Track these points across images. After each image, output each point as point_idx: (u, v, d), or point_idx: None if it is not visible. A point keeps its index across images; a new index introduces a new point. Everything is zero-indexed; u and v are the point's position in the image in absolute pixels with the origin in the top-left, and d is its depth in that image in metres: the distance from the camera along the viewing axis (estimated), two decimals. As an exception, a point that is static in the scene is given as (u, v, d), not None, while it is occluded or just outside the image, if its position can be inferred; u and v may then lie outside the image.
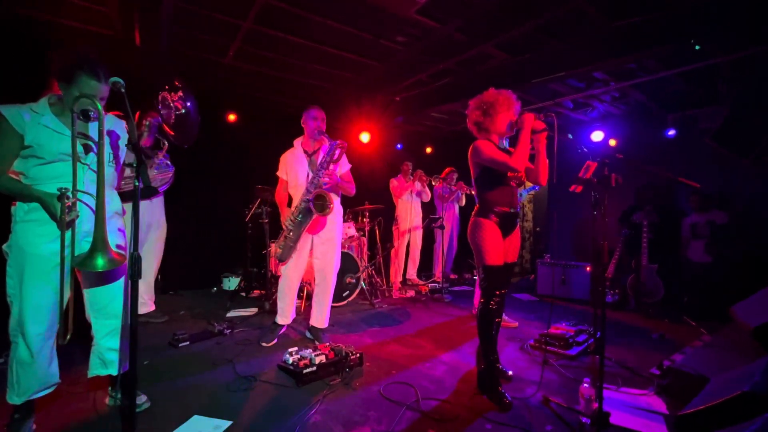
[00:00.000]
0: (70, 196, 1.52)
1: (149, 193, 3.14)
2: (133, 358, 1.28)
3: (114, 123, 1.81)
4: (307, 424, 1.87)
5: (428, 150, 6.97)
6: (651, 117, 5.23)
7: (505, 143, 2.37)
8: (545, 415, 2.02)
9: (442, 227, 5.06)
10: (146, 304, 3.41)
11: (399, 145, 6.74)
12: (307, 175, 2.84)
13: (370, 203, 4.74)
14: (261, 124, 5.29)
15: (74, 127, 1.52)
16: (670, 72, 3.78)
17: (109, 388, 2.02)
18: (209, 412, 1.94)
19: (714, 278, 4.28)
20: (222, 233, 5.03)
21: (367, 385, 2.31)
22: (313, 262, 2.99)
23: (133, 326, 1.26)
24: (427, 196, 5.47)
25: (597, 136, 5.36)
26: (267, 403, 2.07)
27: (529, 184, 4.42)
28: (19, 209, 1.63)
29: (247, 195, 4.55)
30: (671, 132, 4.97)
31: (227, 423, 1.84)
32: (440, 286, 4.96)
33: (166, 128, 2.63)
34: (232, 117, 5.01)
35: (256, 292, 4.52)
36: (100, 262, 1.41)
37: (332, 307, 3.15)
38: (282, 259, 2.89)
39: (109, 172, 1.76)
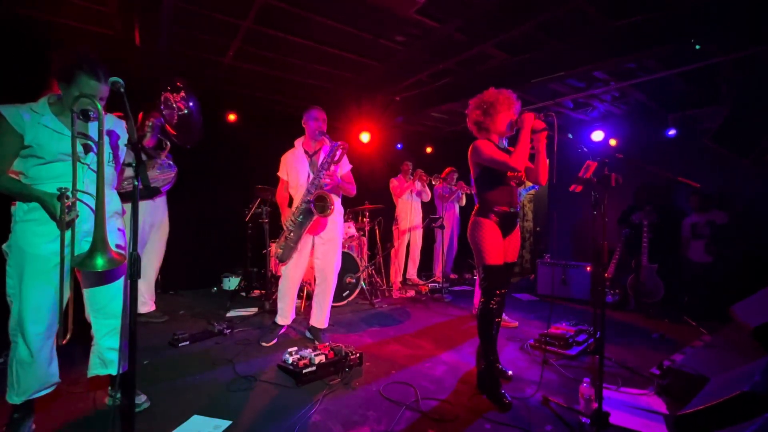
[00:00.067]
0: (70, 195, 1.52)
1: (152, 193, 3.15)
2: (132, 357, 1.28)
3: (114, 123, 1.81)
4: (306, 424, 1.87)
5: (428, 150, 6.97)
6: (651, 117, 5.23)
7: (504, 143, 2.37)
8: (545, 415, 2.02)
9: (442, 227, 5.06)
10: (147, 303, 3.41)
11: (399, 145, 6.74)
12: (308, 176, 2.84)
13: (370, 203, 4.74)
14: (261, 124, 5.29)
15: (74, 127, 1.52)
16: (670, 72, 3.78)
17: (109, 388, 2.02)
18: (209, 411, 1.94)
19: (714, 278, 4.28)
20: (222, 233, 5.03)
21: (366, 385, 2.31)
22: (313, 262, 2.99)
23: (133, 326, 1.26)
24: (427, 196, 5.47)
25: (597, 135, 5.36)
26: (267, 402, 2.07)
27: (528, 184, 4.41)
28: (18, 209, 1.63)
29: (247, 195, 4.55)
30: (672, 132, 4.97)
31: (227, 423, 1.84)
32: (440, 285, 4.96)
33: (169, 128, 2.64)
34: (232, 117, 5.02)
35: (256, 292, 4.52)
36: (100, 261, 1.41)
37: (332, 306, 3.15)
38: (282, 260, 2.89)
39: (109, 172, 1.76)
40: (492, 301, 2.19)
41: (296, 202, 2.84)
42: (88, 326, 1.82)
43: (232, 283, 4.74)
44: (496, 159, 2.13)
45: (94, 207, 1.58)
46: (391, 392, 2.21)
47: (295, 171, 2.87)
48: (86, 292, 1.78)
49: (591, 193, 1.91)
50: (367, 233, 4.87)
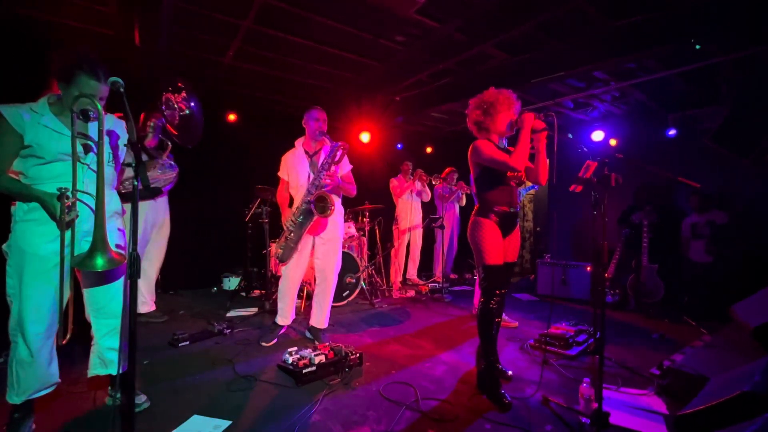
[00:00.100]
0: (70, 195, 1.52)
1: (153, 193, 3.15)
2: (132, 357, 1.28)
3: (114, 123, 1.81)
4: (306, 424, 1.87)
5: (428, 150, 6.98)
6: (651, 117, 5.23)
7: (504, 143, 2.37)
8: (545, 415, 2.02)
9: (442, 227, 5.06)
10: (147, 303, 3.41)
11: (399, 145, 6.74)
12: (308, 176, 2.84)
13: (370, 203, 4.74)
14: (261, 124, 5.29)
15: (74, 127, 1.52)
16: (670, 72, 3.78)
17: (109, 388, 2.02)
18: (209, 411, 1.94)
19: (714, 278, 4.28)
20: (222, 233, 5.03)
21: (366, 385, 2.31)
22: (314, 262, 2.99)
23: (132, 326, 1.26)
24: (427, 196, 5.47)
25: (597, 135, 5.36)
26: (266, 403, 2.07)
27: (528, 184, 4.41)
28: (18, 209, 1.63)
29: (247, 195, 4.55)
30: (672, 132, 4.97)
31: (227, 423, 1.84)
32: (440, 286, 4.96)
33: (170, 129, 2.64)
34: (232, 117, 5.02)
35: (256, 292, 4.52)
36: (100, 261, 1.41)
37: (332, 306, 3.14)
38: (283, 260, 2.89)
39: (109, 172, 1.76)
40: (492, 301, 2.19)
41: (297, 203, 2.84)
42: (88, 326, 1.82)
43: (232, 283, 4.74)
44: (496, 159, 2.13)
45: (94, 207, 1.58)
46: (391, 392, 2.21)
47: (296, 171, 2.87)
48: (86, 292, 1.78)
49: (591, 193, 1.90)
50: (367, 233, 4.86)
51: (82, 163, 1.64)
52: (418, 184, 5.31)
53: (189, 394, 2.15)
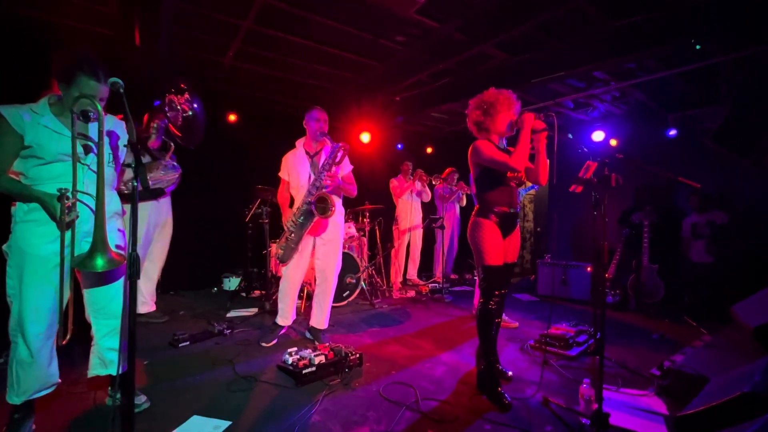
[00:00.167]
0: (70, 196, 1.52)
1: (156, 193, 3.16)
2: (131, 358, 1.28)
3: (114, 124, 1.81)
4: (306, 425, 1.87)
5: (428, 150, 6.97)
6: (652, 117, 5.23)
7: (504, 143, 2.37)
8: (545, 415, 2.02)
9: (442, 227, 5.06)
10: (147, 303, 3.42)
11: (399, 145, 6.74)
12: (309, 176, 2.84)
13: (370, 203, 4.74)
14: (261, 124, 5.29)
15: (74, 128, 1.52)
16: (670, 72, 3.78)
17: (109, 389, 2.02)
18: (209, 412, 1.94)
19: (714, 278, 4.27)
20: (222, 233, 5.03)
21: (366, 386, 2.30)
22: (314, 263, 2.99)
23: (132, 326, 1.26)
24: (427, 196, 5.47)
25: (598, 135, 5.36)
26: (266, 403, 2.07)
27: (528, 184, 4.41)
28: (19, 209, 1.63)
29: (248, 195, 4.55)
30: (672, 132, 4.97)
31: (226, 423, 1.84)
32: (440, 286, 4.96)
33: (173, 129, 2.65)
34: (232, 117, 5.02)
35: (257, 293, 4.52)
36: (100, 262, 1.41)
37: (332, 307, 3.14)
38: (283, 260, 2.89)
39: (109, 172, 1.76)
40: (491, 302, 2.19)
41: (297, 203, 2.84)
42: (88, 326, 1.82)
43: (232, 283, 4.74)
44: (496, 159, 2.13)
45: (94, 208, 1.58)
46: (391, 393, 2.21)
47: (296, 172, 2.87)
48: (86, 293, 1.78)
49: (591, 194, 1.90)
50: (367, 233, 4.86)
51: (83, 164, 1.64)
52: (418, 185, 5.31)
53: (189, 394, 2.15)
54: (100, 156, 1.46)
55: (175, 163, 3.01)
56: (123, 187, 2.02)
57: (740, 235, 4.33)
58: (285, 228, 2.85)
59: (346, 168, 2.93)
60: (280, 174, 2.97)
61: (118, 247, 1.77)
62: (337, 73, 4.49)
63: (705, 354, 2.59)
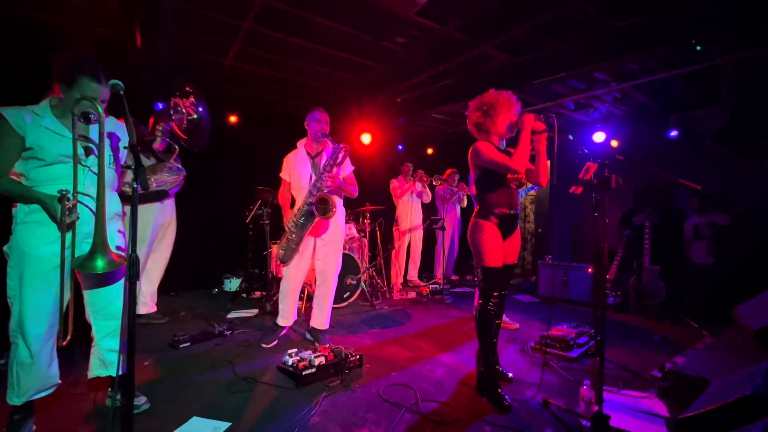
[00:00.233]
0: (71, 198, 1.53)
1: (161, 195, 3.18)
2: (131, 359, 1.28)
3: (115, 125, 1.81)
4: (306, 426, 1.87)
5: (429, 151, 6.98)
6: (653, 118, 5.22)
7: (503, 144, 2.36)
8: (545, 417, 2.01)
9: (443, 228, 5.05)
10: (148, 304, 3.42)
11: (400, 146, 6.74)
12: (310, 177, 2.84)
13: (371, 204, 4.74)
14: (261, 124, 5.30)
15: (75, 130, 1.53)
16: (671, 73, 3.77)
17: (109, 390, 2.02)
18: (208, 413, 1.94)
19: (715, 278, 4.27)
20: (223, 234, 5.04)
21: (366, 387, 2.30)
22: (314, 263, 2.99)
23: (132, 327, 1.26)
24: (427, 197, 5.47)
25: (599, 137, 5.35)
26: (266, 404, 2.07)
27: (528, 185, 4.41)
28: (19, 211, 1.64)
29: (248, 196, 4.55)
30: (673, 133, 4.96)
31: (226, 424, 1.84)
32: (441, 287, 4.95)
33: (178, 132, 2.67)
34: (233, 119, 5.02)
35: (257, 294, 4.52)
36: (100, 263, 1.42)
37: (333, 308, 3.14)
38: (284, 261, 2.89)
39: (110, 174, 1.77)
40: (490, 303, 2.18)
41: (298, 204, 2.84)
42: (89, 327, 1.83)
43: (233, 284, 4.74)
44: (497, 161, 2.13)
45: (94, 209, 1.58)
46: (391, 394, 2.21)
47: (298, 172, 2.88)
48: (86, 294, 1.78)
49: (591, 195, 1.90)
50: (367, 234, 4.87)
51: (83, 166, 1.64)
52: (418, 186, 5.31)
53: (189, 395, 2.15)
54: (100, 158, 1.47)
55: (180, 166, 3.02)
56: (127, 189, 2.03)
57: (740, 235, 4.33)
58: (286, 228, 2.86)
59: (347, 169, 2.93)
60: (281, 175, 2.98)
61: (118, 248, 1.77)
62: (338, 74, 4.49)
63: (706, 356, 2.59)
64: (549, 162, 2.20)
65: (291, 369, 2.32)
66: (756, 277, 3.86)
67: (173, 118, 2.68)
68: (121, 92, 1.33)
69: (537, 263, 5.35)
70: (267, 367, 2.53)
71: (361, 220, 4.94)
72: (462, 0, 2.95)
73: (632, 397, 2.23)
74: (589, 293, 4.65)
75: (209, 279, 4.87)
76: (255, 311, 3.85)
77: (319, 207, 2.70)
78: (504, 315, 3.11)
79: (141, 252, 3.23)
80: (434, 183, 5.32)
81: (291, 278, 2.93)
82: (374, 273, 4.87)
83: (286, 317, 2.99)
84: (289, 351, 2.47)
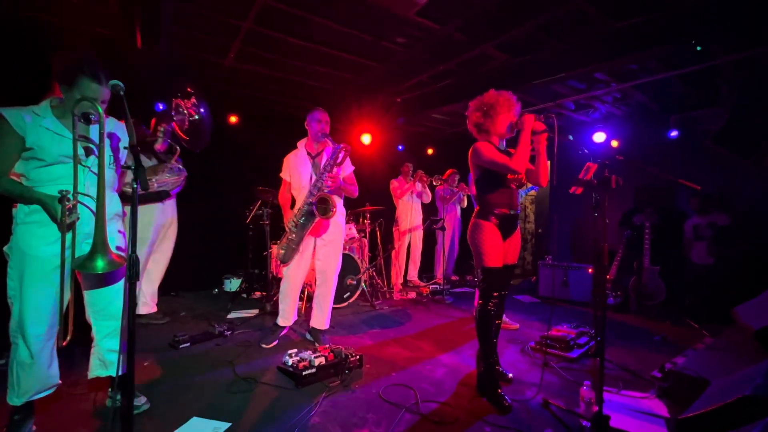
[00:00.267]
0: (71, 198, 1.53)
1: (162, 196, 3.18)
2: (131, 359, 1.28)
3: (115, 126, 1.81)
4: (306, 426, 1.87)
5: (429, 151, 6.97)
6: (653, 118, 5.22)
7: (503, 145, 2.36)
8: (545, 417, 2.01)
9: (443, 228, 5.05)
10: (148, 304, 3.43)
11: (400, 147, 6.74)
12: (311, 177, 2.84)
13: (371, 204, 4.74)
14: (261, 124, 5.30)
15: (75, 130, 1.53)
16: (671, 73, 3.77)
17: (109, 390, 2.02)
18: (209, 413, 1.94)
19: (715, 278, 4.27)
20: (223, 235, 5.04)
21: (366, 387, 2.30)
22: (315, 263, 2.99)
23: (132, 328, 1.26)
24: (428, 197, 5.47)
25: (599, 137, 5.35)
26: (266, 405, 2.07)
27: (528, 185, 4.41)
28: (20, 211, 1.64)
29: (248, 196, 4.55)
30: (674, 133, 4.96)
31: (226, 425, 1.84)
32: (441, 287, 4.95)
33: (180, 133, 2.67)
34: (233, 119, 5.02)
35: (257, 294, 4.52)
36: (100, 263, 1.42)
37: (333, 308, 3.14)
38: (284, 261, 2.89)
39: (110, 174, 1.77)
40: (490, 303, 2.18)
41: (299, 204, 2.84)
42: (89, 328, 1.83)
43: (233, 284, 4.74)
44: (497, 161, 2.13)
45: (94, 209, 1.58)
46: (391, 394, 2.21)
47: (298, 172, 2.88)
48: (87, 294, 1.78)
49: (592, 195, 1.90)
50: (368, 235, 4.87)
51: (83, 166, 1.64)
52: (418, 186, 5.31)
53: (189, 395, 2.15)
54: (100, 158, 1.47)
55: (181, 166, 3.03)
56: (128, 189, 2.03)
57: (740, 235, 4.33)
58: (286, 228, 2.86)
59: (347, 169, 2.93)
60: (282, 175, 2.98)
61: (118, 248, 1.78)
62: (338, 74, 4.49)
63: (706, 356, 2.58)
64: (549, 162, 2.20)
65: (291, 369, 2.32)
66: (756, 278, 3.86)
67: (175, 118, 2.69)
68: (121, 92, 1.33)
69: (537, 263, 5.35)
70: (267, 368, 2.53)
71: (361, 220, 4.94)
72: (462, 0, 2.95)
73: (632, 397, 2.23)
74: (589, 293, 4.65)
75: (209, 279, 4.87)
76: (255, 311, 3.85)
77: (320, 207, 2.70)
78: (504, 315, 3.11)
79: (142, 252, 3.23)
80: (434, 183, 5.32)
81: (291, 278, 2.93)
82: (374, 273, 4.87)
83: (286, 317, 2.99)
84: (289, 351, 2.47)
